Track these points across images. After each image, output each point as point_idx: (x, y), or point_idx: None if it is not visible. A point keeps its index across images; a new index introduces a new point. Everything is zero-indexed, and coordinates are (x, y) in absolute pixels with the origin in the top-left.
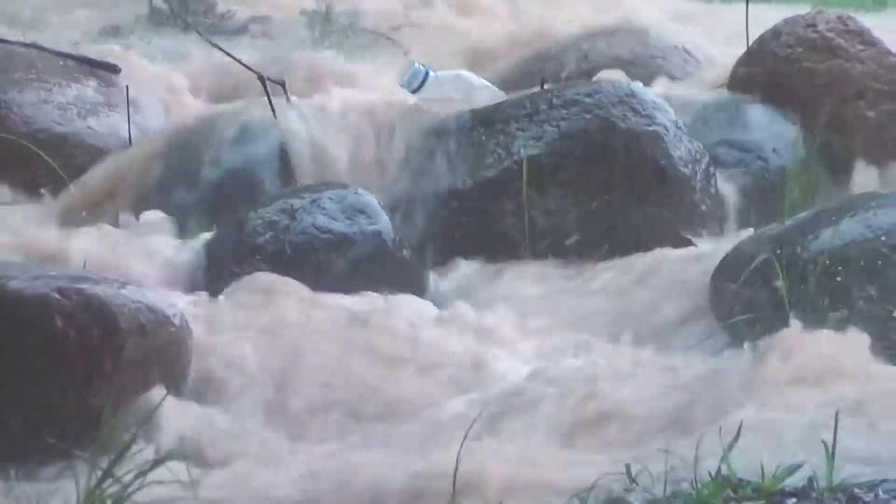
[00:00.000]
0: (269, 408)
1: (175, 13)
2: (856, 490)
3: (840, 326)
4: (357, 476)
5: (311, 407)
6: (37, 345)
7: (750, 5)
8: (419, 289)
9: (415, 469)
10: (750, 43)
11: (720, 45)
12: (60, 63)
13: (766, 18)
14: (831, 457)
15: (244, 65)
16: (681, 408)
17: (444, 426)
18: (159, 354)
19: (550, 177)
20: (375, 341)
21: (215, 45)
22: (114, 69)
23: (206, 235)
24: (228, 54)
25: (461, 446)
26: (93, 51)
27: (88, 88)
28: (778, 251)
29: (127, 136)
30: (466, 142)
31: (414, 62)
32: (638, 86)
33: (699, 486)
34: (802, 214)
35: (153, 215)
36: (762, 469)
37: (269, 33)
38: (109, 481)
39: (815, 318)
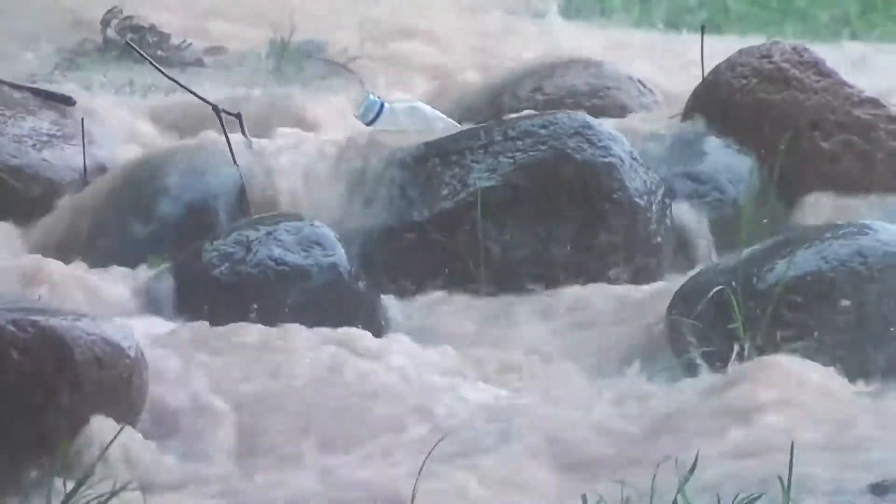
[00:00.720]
0: (224, 438)
1: (129, 45)
2: None
3: (795, 356)
4: None
5: (264, 437)
6: None
7: (704, 36)
8: (375, 320)
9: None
10: (705, 74)
11: (675, 76)
12: (16, 95)
13: (719, 49)
14: (787, 489)
15: (199, 97)
16: (636, 439)
17: (398, 459)
18: (115, 386)
19: (506, 208)
20: (329, 373)
21: (170, 78)
22: (68, 101)
23: (163, 267)
24: (184, 87)
25: (416, 481)
26: (49, 83)
27: (44, 121)
28: (733, 282)
29: (82, 168)
30: (422, 173)
31: (369, 94)
32: (592, 118)
33: None
34: (758, 246)
35: (110, 247)
36: (718, 501)
37: (226, 64)
38: None
39: (770, 349)
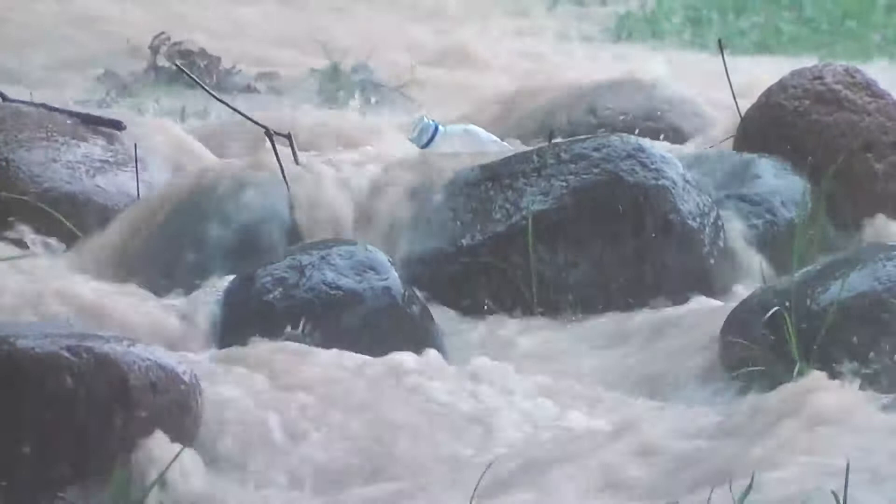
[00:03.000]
0: (280, 467)
1: (180, 69)
2: None
3: (849, 379)
4: None
5: (321, 465)
6: (47, 403)
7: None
8: (429, 344)
9: None
10: (735, 94)
11: (727, 97)
12: (68, 122)
13: (771, 71)
14: None
15: (249, 118)
16: (690, 461)
17: (455, 484)
18: (170, 411)
19: (559, 231)
20: (386, 399)
21: (221, 101)
22: (118, 126)
23: (216, 292)
24: (234, 109)
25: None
26: (100, 109)
27: (97, 147)
28: (787, 304)
29: (135, 193)
30: (475, 197)
31: (423, 117)
32: (646, 140)
33: None
34: (811, 267)
35: (161, 272)
36: None
37: (277, 89)
38: None
39: (824, 371)
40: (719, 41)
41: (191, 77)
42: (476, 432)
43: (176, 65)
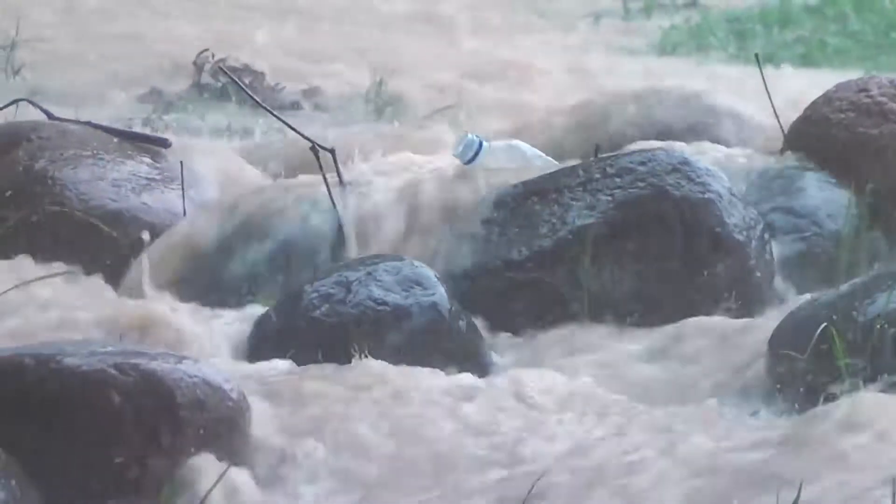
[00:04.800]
0: (329, 483)
1: (231, 78)
2: None
3: None
4: None
5: (368, 483)
6: (94, 421)
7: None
8: (476, 360)
9: None
10: (780, 107)
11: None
12: (114, 140)
13: (816, 84)
14: None
15: (296, 130)
16: (736, 475)
17: (503, 500)
18: (217, 429)
19: (605, 246)
20: (432, 414)
21: (274, 114)
22: (164, 143)
23: (263, 308)
24: (282, 120)
25: None
26: (145, 127)
27: (143, 164)
28: (834, 317)
29: (181, 211)
30: (521, 212)
31: (467, 133)
32: (691, 153)
33: None
34: (858, 280)
35: (207, 288)
36: None
37: (322, 106)
38: None
39: (872, 383)
40: (756, 55)
41: (244, 90)
42: (523, 448)
43: (231, 76)
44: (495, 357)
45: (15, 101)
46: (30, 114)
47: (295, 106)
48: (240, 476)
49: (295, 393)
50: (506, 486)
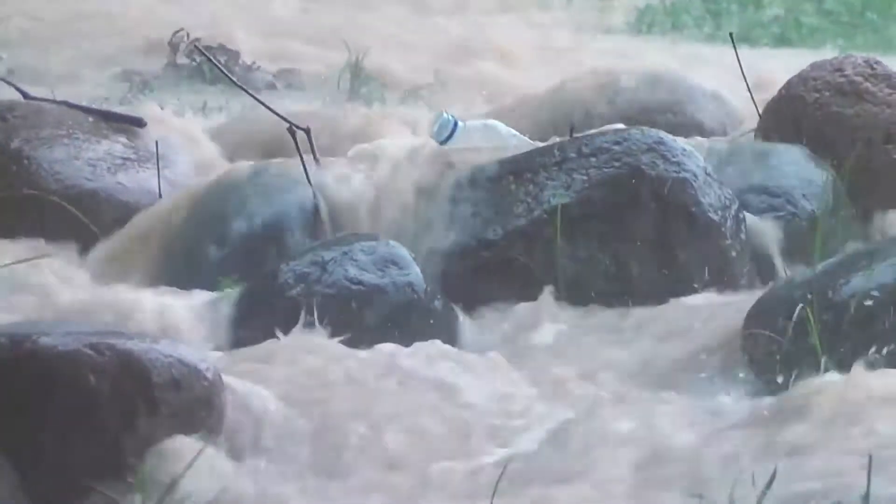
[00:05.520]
0: (303, 461)
1: (207, 58)
2: None
3: (873, 370)
4: None
5: (344, 460)
6: (70, 400)
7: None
8: (451, 339)
9: None
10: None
11: (745, 90)
12: (89, 119)
13: (791, 63)
14: (866, 499)
15: (272, 110)
16: (712, 454)
17: (477, 477)
18: (192, 408)
19: (580, 225)
20: (407, 393)
21: (248, 92)
22: (139, 123)
23: (238, 289)
24: (258, 99)
25: (492, 499)
26: (121, 106)
27: (118, 144)
28: (809, 296)
29: (157, 190)
30: (496, 191)
31: (443, 112)
32: (666, 134)
33: None
34: (833, 259)
35: (181, 269)
36: None
37: (297, 86)
38: None
39: (847, 363)
40: (731, 34)
41: (220, 69)
42: (497, 426)
43: (206, 55)
44: (470, 336)
45: None
46: (5, 93)
47: (269, 85)
48: (216, 455)
49: (270, 371)
50: (478, 467)
